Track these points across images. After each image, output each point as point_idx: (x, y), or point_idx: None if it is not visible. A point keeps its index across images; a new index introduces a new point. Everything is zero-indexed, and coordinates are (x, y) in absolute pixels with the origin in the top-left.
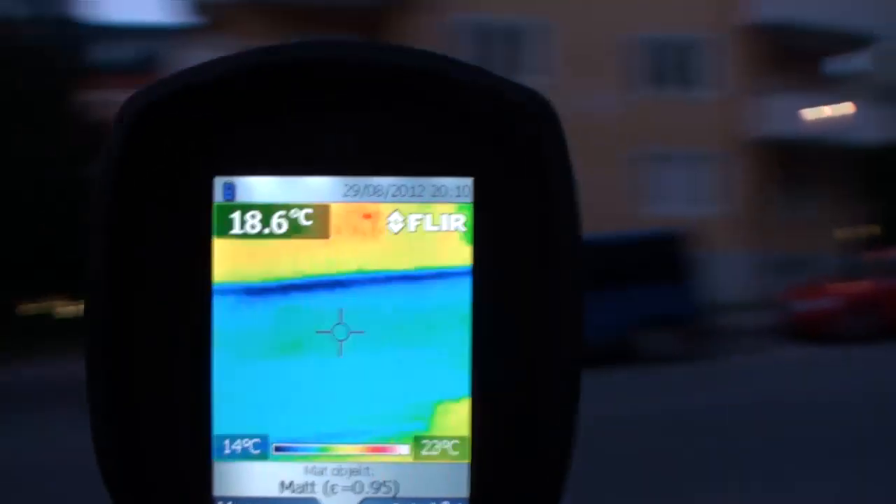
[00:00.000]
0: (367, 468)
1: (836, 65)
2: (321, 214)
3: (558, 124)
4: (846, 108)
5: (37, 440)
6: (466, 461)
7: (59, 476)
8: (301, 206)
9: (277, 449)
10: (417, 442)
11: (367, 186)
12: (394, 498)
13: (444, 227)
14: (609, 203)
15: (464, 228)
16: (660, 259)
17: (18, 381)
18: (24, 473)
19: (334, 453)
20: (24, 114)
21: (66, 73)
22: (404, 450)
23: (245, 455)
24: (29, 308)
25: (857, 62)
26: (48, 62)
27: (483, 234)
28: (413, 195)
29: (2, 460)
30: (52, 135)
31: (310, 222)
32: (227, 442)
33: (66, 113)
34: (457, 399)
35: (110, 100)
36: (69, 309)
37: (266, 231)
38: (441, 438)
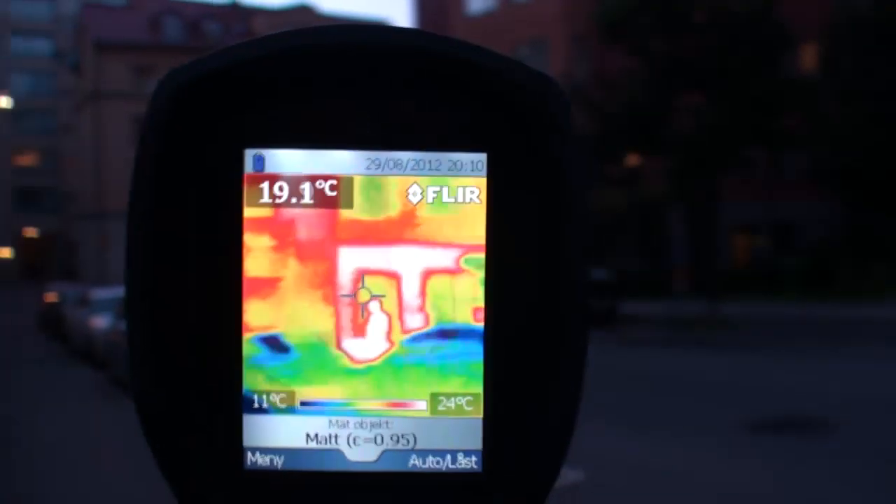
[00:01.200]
0: (388, 422)
1: None
2: (345, 185)
3: (567, 104)
4: None
5: None
6: (480, 416)
7: None
8: (326, 178)
9: (303, 403)
10: (434, 398)
11: (387, 160)
12: (412, 449)
13: (460, 199)
14: None
15: (479, 200)
16: None
17: None
18: None
19: (356, 408)
20: None
21: None
22: (422, 405)
23: (273, 409)
24: None
25: None
26: None
27: (497, 205)
28: (431, 169)
29: None
30: None
31: (334, 193)
32: (255, 396)
33: None
34: (472, 358)
35: None
36: None
37: (293, 200)
38: (456, 395)
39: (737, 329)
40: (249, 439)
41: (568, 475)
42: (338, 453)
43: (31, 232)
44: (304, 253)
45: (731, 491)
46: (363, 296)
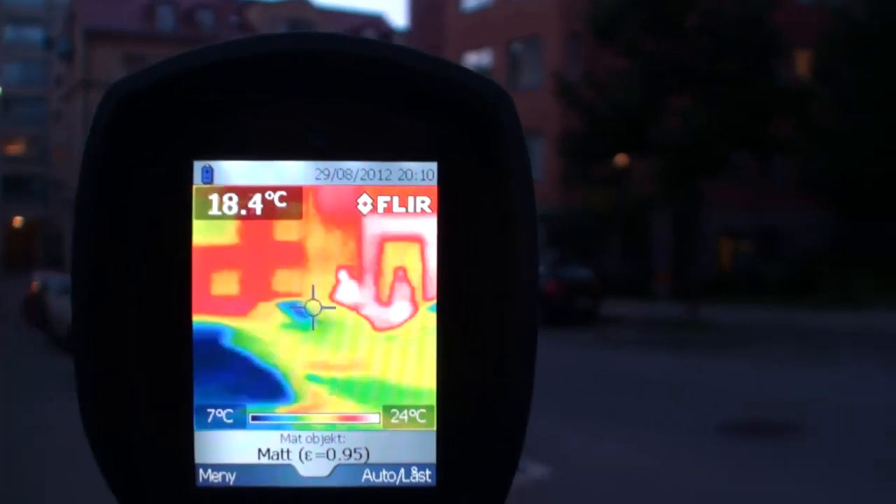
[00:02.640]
0: (340, 436)
1: None
2: (295, 196)
3: (515, 112)
4: None
5: None
6: (433, 429)
7: None
8: (275, 189)
9: (254, 418)
10: (387, 411)
11: (337, 170)
12: (365, 463)
13: (411, 209)
14: None
15: (430, 210)
16: None
17: None
18: None
19: (308, 422)
20: None
21: None
22: (374, 418)
23: (224, 424)
24: None
25: None
26: None
27: (447, 214)
28: (381, 178)
29: None
30: None
31: (284, 204)
32: (207, 412)
33: None
34: (424, 371)
35: None
36: None
37: (243, 212)
38: (409, 408)
39: (716, 333)
40: (201, 455)
41: (533, 472)
42: (290, 468)
43: (17, 220)
44: (253, 266)
45: (700, 491)
46: (314, 307)
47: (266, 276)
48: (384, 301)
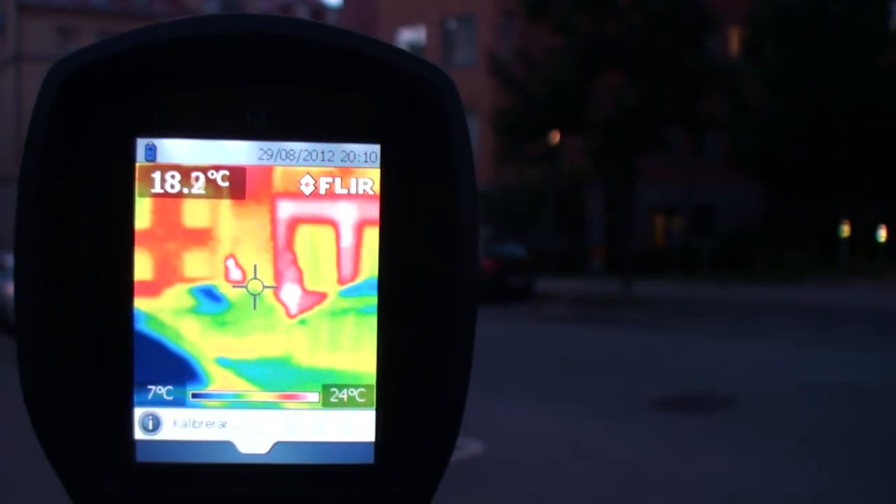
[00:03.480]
0: (279, 414)
1: None
2: (237, 176)
3: (457, 95)
4: None
5: None
6: (372, 407)
7: None
8: (218, 168)
9: (194, 395)
10: (326, 389)
11: (280, 150)
12: (304, 441)
13: (353, 190)
14: None
15: (372, 192)
16: None
17: None
18: None
19: (248, 399)
20: None
21: None
22: (313, 397)
23: (164, 401)
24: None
25: None
26: None
27: (389, 196)
28: (324, 160)
29: None
30: None
31: (226, 184)
32: (147, 388)
33: None
34: (363, 349)
35: None
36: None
37: (185, 191)
38: (348, 386)
39: (649, 308)
40: (141, 432)
41: (467, 447)
42: (229, 445)
43: None
44: (194, 244)
45: (632, 465)
46: (254, 286)
47: (177, 260)
48: (299, 284)
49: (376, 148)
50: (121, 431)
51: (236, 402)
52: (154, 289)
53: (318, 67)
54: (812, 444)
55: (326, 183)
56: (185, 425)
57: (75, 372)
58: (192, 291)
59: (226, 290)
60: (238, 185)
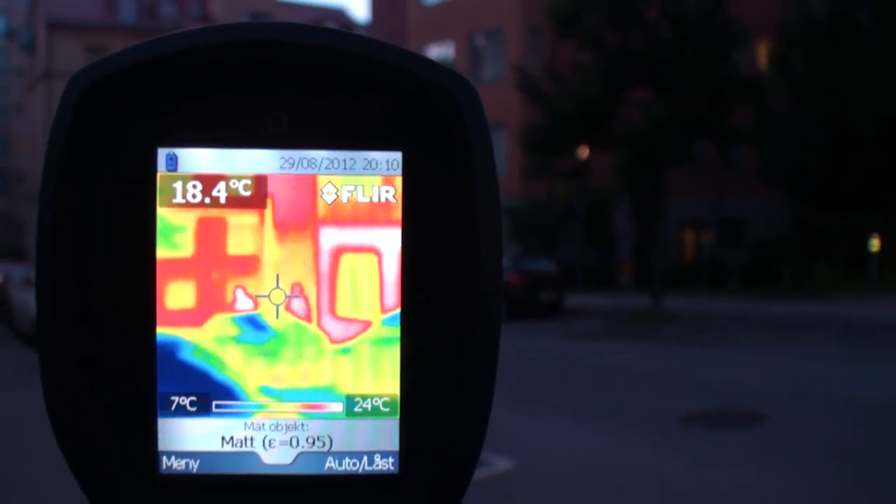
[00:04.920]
0: (303, 424)
1: None
2: (259, 185)
3: (478, 101)
4: None
5: None
6: (396, 417)
7: None
8: (240, 177)
9: (218, 406)
10: (350, 399)
11: (301, 159)
12: (328, 452)
13: (375, 198)
14: None
15: (394, 199)
16: None
17: None
18: None
19: (271, 410)
20: None
21: None
22: (337, 407)
23: (187, 412)
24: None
25: None
26: None
27: (412, 203)
28: (345, 168)
29: None
30: None
31: (248, 192)
32: (171, 399)
33: None
34: (385, 378)
35: None
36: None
37: (207, 200)
38: (372, 396)
39: (679, 323)
40: (164, 443)
41: (497, 465)
42: (253, 456)
43: None
44: (218, 254)
45: (663, 480)
46: (277, 297)
47: (220, 288)
48: (340, 313)
49: (398, 155)
50: (143, 443)
51: (260, 413)
52: (197, 318)
53: (339, 75)
54: (846, 459)
55: (348, 191)
56: (209, 436)
57: (98, 383)
58: (235, 320)
59: (269, 318)
60: (260, 193)
